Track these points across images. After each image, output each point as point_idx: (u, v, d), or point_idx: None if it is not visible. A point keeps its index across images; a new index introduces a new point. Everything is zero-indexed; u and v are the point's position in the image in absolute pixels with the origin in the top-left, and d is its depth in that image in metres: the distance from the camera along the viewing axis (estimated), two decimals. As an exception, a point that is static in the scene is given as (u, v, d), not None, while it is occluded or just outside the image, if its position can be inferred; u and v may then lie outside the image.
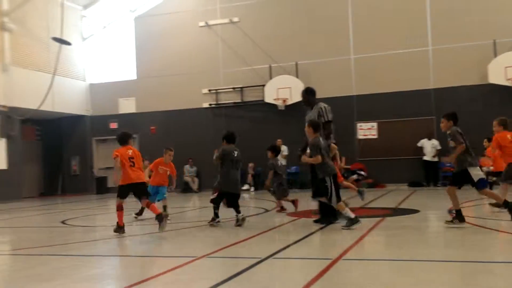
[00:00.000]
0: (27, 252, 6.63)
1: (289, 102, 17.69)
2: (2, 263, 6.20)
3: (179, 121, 19.52)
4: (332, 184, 7.16)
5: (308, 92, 8.26)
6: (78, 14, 20.32)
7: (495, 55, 15.93)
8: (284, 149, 16.72)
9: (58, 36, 17.23)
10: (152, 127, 19.92)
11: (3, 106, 16.75)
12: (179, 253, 6.17)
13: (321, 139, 7.34)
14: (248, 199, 14.69)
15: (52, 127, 20.63)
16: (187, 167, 19.09)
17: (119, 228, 7.68)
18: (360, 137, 17.59)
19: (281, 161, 16.46)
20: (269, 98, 18.07)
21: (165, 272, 4.95)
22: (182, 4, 19.92)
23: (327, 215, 7.77)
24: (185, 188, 18.80)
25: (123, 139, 8.11)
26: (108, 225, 9.31)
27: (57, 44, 17.38)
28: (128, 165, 7.73)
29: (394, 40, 17.34)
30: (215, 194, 8.47)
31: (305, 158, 7.42)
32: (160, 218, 7.38)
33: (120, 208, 7.70)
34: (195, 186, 18.92)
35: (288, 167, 17.57)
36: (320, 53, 18.13)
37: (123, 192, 7.74)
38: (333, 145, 7.86)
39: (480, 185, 6.85)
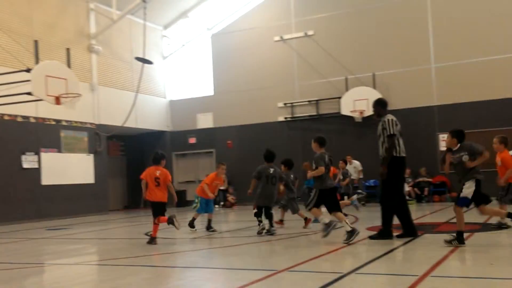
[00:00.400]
0: (113, 262, 6.92)
1: (366, 114, 17.31)
2: (92, 273, 6.51)
3: (255, 135, 19.70)
4: (316, 195, 7.73)
5: (378, 103, 8.01)
6: (159, 34, 21.24)
7: None
8: (357, 164, 16.34)
9: (140, 56, 18.06)
10: (228, 141, 20.28)
11: (91, 124, 17.77)
12: (260, 266, 6.17)
13: (326, 154, 7.89)
14: (325, 212, 14.41)
15: (135, 142, 21.58)
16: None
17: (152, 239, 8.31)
18: (443, 148, 16.82)
19: (354, 175, 16.14)
20: (345, 110, 17.81)
21: (249, 284, 4.93)
22: (257, 20, 20.22)
23: (410, 230, 7.49)
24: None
25: (156, 159, 8.64)
26: (188, 237, 9.52)
27: (140, 63, 18.22)
28: (153, 185, 8.37)
29: (476, 47, 16.53)
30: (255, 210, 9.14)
31: (309, 173, 7.87)
32: (171, 220, 8.09)
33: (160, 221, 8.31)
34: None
35: (366, 181, 17.18)
36: (398, 63, 17.66)
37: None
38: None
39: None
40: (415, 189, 16.34)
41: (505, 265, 5.50)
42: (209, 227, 9.97)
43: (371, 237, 7.66)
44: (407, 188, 16.17)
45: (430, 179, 16.50)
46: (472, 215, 11.24)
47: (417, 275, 4.92)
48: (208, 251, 7.76)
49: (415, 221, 10.77)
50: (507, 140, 8.85)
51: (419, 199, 16.21)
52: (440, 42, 17.10)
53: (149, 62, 18.82)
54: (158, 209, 8.41)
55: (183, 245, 8.70)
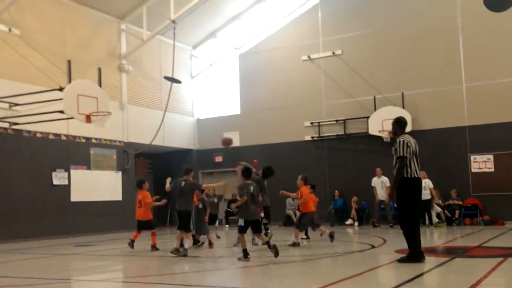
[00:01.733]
0: (140, 280, 6.91)
1: (394, 134, 17.06)
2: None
3: (281, 154, 19.64)
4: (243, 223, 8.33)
5: (396, 122, 7.87)
6: (187, 53, 21.55)
7: None
8: (385, 180, 16.14)
9: (169, 75, 18.33)
10: (254, 160, 20.21)
11: (120, 142, 18.03)
12: (296, 285, 6.07)
13: (251, 185, 8.47)
14: (352, 234, 14.22)
15: (162, 160, 21.77)
16: (289, 200, 19.04)
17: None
18: (474, 170, 16.44)
19: (380, 191, 15.91)
20: (373, 130, 17.62)
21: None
22: (285, 40, 20.32)
23: (415, 255, 7.28)
24: (287, 222, 18.72)
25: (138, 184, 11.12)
26: (214, 255, 9.49)
27: (168, 82, 18.49)
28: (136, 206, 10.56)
29: (508, 67, 16.21)
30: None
31: (233, 205, 8.63)
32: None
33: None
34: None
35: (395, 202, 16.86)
36: (428, 82, 17.43)
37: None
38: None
39: None
40: (446, 211, 15.95)
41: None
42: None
43: (399, 260, 7.48)
44: (438, 210, 15.82)
45: (460, 202, 16.10)
46: (506, 240, 10.90)
47: (448, 301, 4.75)
48: (233, 270, 7.69)
49: (445, 245, 10.55)
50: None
51: (449, 221, 15.80)
52: (471, 61, 16.83)
53: (178, 81, 19.08)
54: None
55: (211, 262, 8.66)
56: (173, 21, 17.50)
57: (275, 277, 7.04)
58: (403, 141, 7.43)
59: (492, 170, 16.10)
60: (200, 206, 11.02)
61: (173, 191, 9.78)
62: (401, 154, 7.36)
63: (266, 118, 20.24)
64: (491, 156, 16.19)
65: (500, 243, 10.23)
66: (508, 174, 15.75)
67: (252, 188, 8.46)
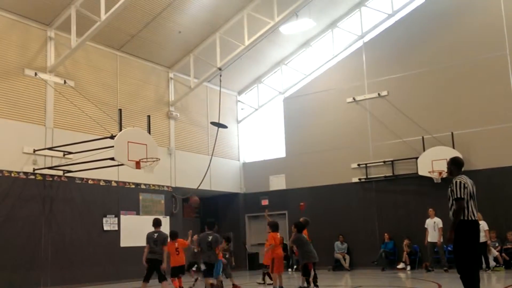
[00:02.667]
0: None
1: (446, 175, 16.60)
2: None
3: (328, 197, 19.42)
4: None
5: (452, 162, 7.60)
6: (233, 99, 22.01)
7: None
8: (438, 221, 15.61)
9: (216, 120, 18.71)
10: (301, 203, 20.05)
11: (168, 187, 18.36)
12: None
13: (210, 236, 10.40)
14: (405, 279, 13.68)
15: (209, 204, 21.92)
16: (337, 243, 18.66)
17: None
18: (533, 211, 15.65)
19: (432, 233, 15.32)
20: (423, 171, 17.17)
21: None
22: (330, 83, 20.41)
23: None
24: (336, 266, 18.27)
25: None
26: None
27: (215, 128, 18.85)
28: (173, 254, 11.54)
29: None
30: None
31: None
32: None
33: None
34: (346, 264, 18.29)
35: (449, 245, 16.20)
36: (479, 121, 16.97)
37: None
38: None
39: None
40: (504, 254, 15.16)
41: None
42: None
43: None
44: (495, 253, 15.06)
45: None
46: None
47: None
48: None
49: (505, 291, 9.96)
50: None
51: (508, 265, 14.97)
52: (523, 98, 16.34)
53: (224, 126, 19.42)
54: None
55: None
56: (219, 69, 18.03)
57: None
58: (460, 182, 7.17)
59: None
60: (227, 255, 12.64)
61: (200, 245, 10.56)
62: (458, 196, 7.09)
63: (311, 160, 20.16)
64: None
65: None
66: None
67: (210, 238, 10.35)
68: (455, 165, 7.55)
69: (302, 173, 20.32)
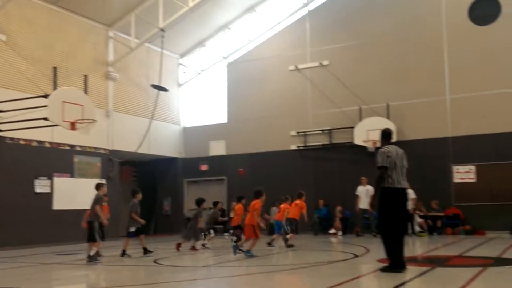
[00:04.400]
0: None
1: (379, 144, 17.24)
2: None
3: (267, 163, 19.72)
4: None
5: (381, 134, 7.99)
6: (175, 62, 21.58)
7: None
8: (370, 189, 16.30)
9: (156, 83, 18.34)
10: (240, 169, 20.25)
11: (105, 150, 17.95)
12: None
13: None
14: (336, 243, 14.27)
15: (148, 168, 21.69)
16: (274, 209, 19.07)
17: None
18: (457, 180, 16.64)
19: (364, 200, 16.01)
20: (358, 140, 17.77)
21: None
22: (273, 50, 20.46)
23: (396, 265, 7.30)
24: (272, 230, 18.71)
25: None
26: (197, 265, 9.47)
27: (155, 90, 18.48)
28: None
29: (493, 80, 16.48)
30: None
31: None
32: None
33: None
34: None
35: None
36: (413, 94, 17.65)
37: None
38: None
39: None
40: (428, 221, 16.11)
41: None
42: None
43: (382, 269, 7.53)
44: (418, 220, 15.97)
45: (441, 214, 16.28)
46: (486, 250, 11.04)
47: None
48: (218, 280, 7.69)
49: (426, 254, 10.65)
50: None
51: (431, 231, 15.97)
52: (456, 73, 17.09)
53: (165, 90, 19.09)
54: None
55: (195, 271, 8.65)
56: (162, 29, 17.56)
57: (257, 287, 7.05)
58: (383, 151, 7.54)
59: (474, 180, 16.31)
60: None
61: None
62: (380, 164, 7.46)
63: (252, 127, 20.31)
64: (473, 167, 16.41)
65: (481, 253, 10.36)
66: (489, 185, 15.97)
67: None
68: (382, 136, 7.92)
69: (243, 139, 20.45)
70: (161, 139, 20.49)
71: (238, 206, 13.31)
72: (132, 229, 11.25)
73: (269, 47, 20.59)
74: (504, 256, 9.58)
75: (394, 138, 16.56)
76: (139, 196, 11.66)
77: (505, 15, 16.58)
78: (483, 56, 16.74)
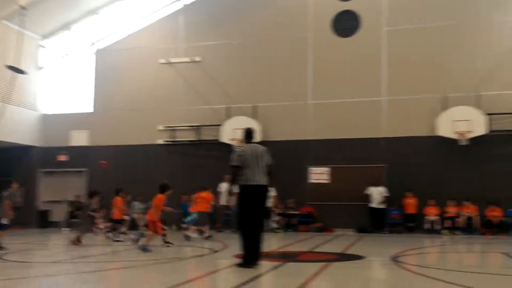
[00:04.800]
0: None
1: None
2: None
3: (133, 157, 19.25)
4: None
5: (243, 133, 8.31)
6: (35, 43, 20.00)
7: (445, 109, 16.62)
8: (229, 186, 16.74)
9: (13, 64, 16.88)
10: (102, 161, 19.44)
11: None
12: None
13: None
14: (196, 238, 14.41)
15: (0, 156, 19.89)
16: (136, 203, 18.66)
17: None
18: (312, 181, 17.79)
19: (224, 197, 16.45)
20: (225, 138, 18.14)
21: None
22: (145, 41, 19.98)
23: (248, 260, 7.63)
24: (133, 225, 18.30)
25: None
26: (46, 261, 8.95)
27: (10, 72, 17.00)
28: None
29: (350, 89, 17.83)
30: None
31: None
32: None
33: None
34: (142, 223, 18.42)
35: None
36: (278, 96, 18.45)
37: None
38: None
39: None
40: (284, 218, 17.03)
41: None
42: None
43: (238, 265, 7.75)
44: (276, 217, 16.77)
45: (296, 212, 17.29)
46: (332, 246, 11.97)
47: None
48: (69, 276, 7.33)
49: (280, 249, 11.24)
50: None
51: (286, 228, 16.90)
52: (318, 80, 18.17)
53: (22, 72, 17.64)
54: None
55: (44, 268, 8.14)
56: (23, 7, 16.22)
57: (107, 283, 6.87)
58: (236, 151, 7.88)
59: (327, 181, 17.60)
60: None
61: None
62: (231, 163, 7.80)
63: (120, 118, 19.66)
64: (327, 169, 17.70)
65: (328, 249, 11.22)
66: (341, 186, 17.31)
67: None
68: (244, 135, 8.24)
69: (108, 131, 19.68)
70: (15, 125, 18.87)
71: (117, 199, 13.14)
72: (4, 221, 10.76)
73: (141, 37, 20.07)
74: (347, 252, 10.48)
75: (259, 138, 17.35)
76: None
77: (364, 28, 18.05)
78: (343, 66, 18.07)
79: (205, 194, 13.77)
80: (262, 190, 7.83)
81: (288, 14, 18.87)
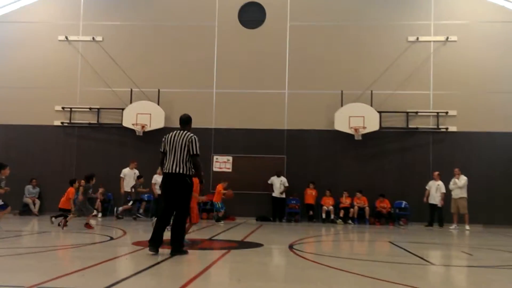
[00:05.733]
0: None
1: (148, 129, 17.47)
2: None
3: (25, 138, 18.11)
4: None
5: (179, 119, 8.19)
6: None
7: (342, 104, 17.52)
8: (136, 172, 16.47)
9: None
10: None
11: None
12: (9, 281, 5.62)
13: None
14: (94, 225, 13.93)
15: None
16: (28, 187, 17.62)
17: None
18: (216, 169, 17.92)
19: (131, 183, 16.15)
20: (127, 123, 17.65)
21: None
22: (41, 15, 18.80)
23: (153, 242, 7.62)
24: (24, 210, 17.28)
25: None
26: None
27: None
28: None
29: (255, 80, 18.17)
30: None
31: None
32: None
33: None
34: (35, 209, 17.47)
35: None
36: (184, 83, 18.29)
37: None
38: None
39: None
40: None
41: (253, 281, 6.07)
42: None
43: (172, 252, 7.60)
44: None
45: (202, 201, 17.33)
46: (233, 234, 12.19)
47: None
48: None
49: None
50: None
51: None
52: (223, 69, 18.32)
53: None
54: None
55: None
56: None
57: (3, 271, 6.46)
58: (163, 138, 7.78)
59: (230, 170, 17.83)
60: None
61: None
62: (161, 150, 7.78)
63: (11, 96, 18.41)
64: (230, 158, 17.92)
65: (228, 237, 11.41)
66: (243, 175, 17.64)
67: None
68: (179, 121, 8.06)
69: (-1, 109, 18.31)
70: None
71: (71, 189, 13.26)
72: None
73: (37, 11, 18.87)
74: (246, 240, 10.73)
75: (162, 124, 17.11)
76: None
77: (269, 21, 18.40)
78: (249, 57, 18.32)
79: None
80: (172, 179, 7.61)
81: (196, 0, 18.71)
